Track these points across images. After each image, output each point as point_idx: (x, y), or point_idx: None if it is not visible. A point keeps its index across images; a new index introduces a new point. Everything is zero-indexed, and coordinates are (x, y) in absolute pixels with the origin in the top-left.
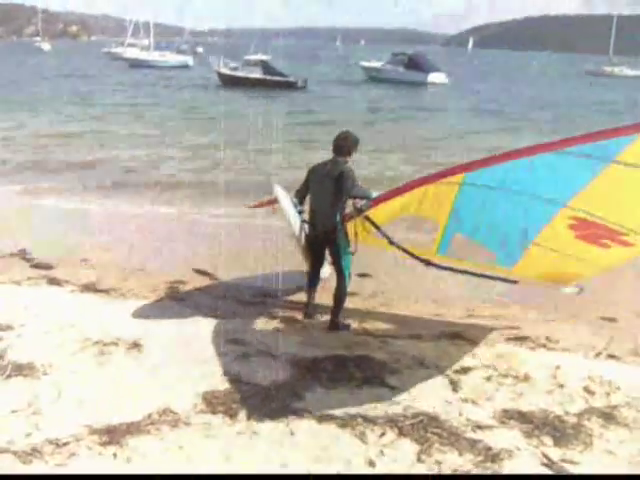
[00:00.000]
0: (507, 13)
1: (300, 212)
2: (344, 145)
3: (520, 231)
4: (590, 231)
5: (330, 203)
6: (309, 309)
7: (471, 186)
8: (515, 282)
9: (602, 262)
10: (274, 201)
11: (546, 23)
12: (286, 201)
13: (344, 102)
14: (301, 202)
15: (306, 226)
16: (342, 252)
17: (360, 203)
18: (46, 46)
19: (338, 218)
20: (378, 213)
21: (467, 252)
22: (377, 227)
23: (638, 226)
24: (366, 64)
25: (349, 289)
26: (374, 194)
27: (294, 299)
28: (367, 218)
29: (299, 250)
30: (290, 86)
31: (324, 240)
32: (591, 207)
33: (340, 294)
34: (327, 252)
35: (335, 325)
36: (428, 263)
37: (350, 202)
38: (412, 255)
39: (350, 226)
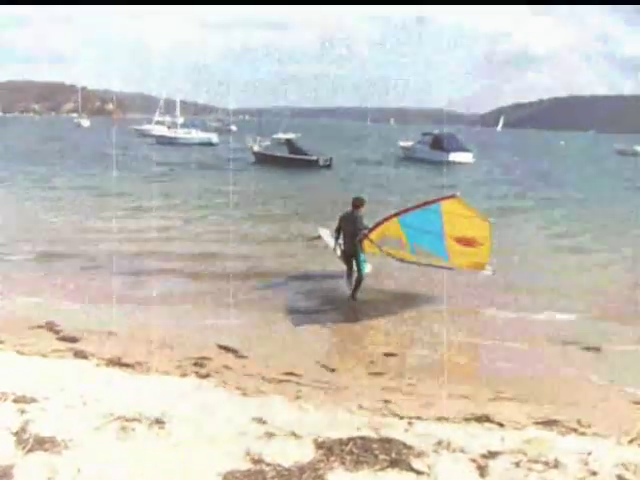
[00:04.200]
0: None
1: (336, 238)
2: (357, 204)
3: (435, 247)
4: (465, 242)
5: (351, 234)
6: (350, 288)
7: (404, 221)
8: (451, 269)
9: (483, 253)
10: (319, 237)
11: (574, 103)
12: (326, 233)
13: (358, 183)
14: (338, 232)
15: (340, 243)
16: (359, 259)
17: (364, 232)
18: (85, 122)
19: (356, 241)
20: (372, 235)
21: (426, 254)
22: (372, 241)
23: (479, 236)
24: (403, 144)
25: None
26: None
27: (319, 377)
28: (368, 238)
29: (338, 257)
30: (313, 165)
31: (350, 254)
32: (455, 232)
33: (358, 280)
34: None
35: (354, 297)
36: (402, 261)
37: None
38: (392, 255)
39: (364, 243)
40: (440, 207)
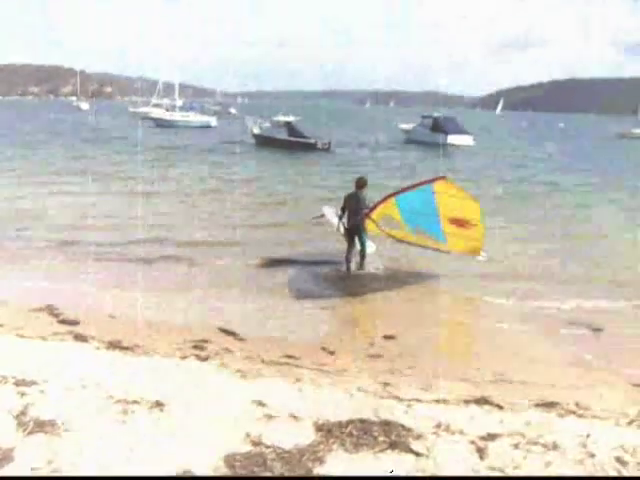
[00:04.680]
0: (534, 76)
1: (340, 217)
2: (360, 184)
3: (433, 229)
4: (459, 222)
5: (354, 212)
6: (347, 266)
7: (400, 202)
8: (448, 252)
9: (477, 235)
10: (322, 215)
11: (572, 86)
12: (330, 212)
13: (357, 167)
14: (343, 211)
15: (344, 222)
16: (362, 236)
17: (366, 210)
18: (84, 105)
19: (359, 218)
20: (373, 215)
21: (423, 236)
22: (374, 220)
23: (471, 217)
24: (404, 126)
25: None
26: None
27: (318, 360)
28: (369, 217)
29: (341, 235)
30: (311, 148)
31: (354, 230)
32: (448, 212)
33: (362, 254)
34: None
35: (362, 267)
36: (402, 241)
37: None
38: (392, 236)
39: (366, 221)
40: (432, 187)
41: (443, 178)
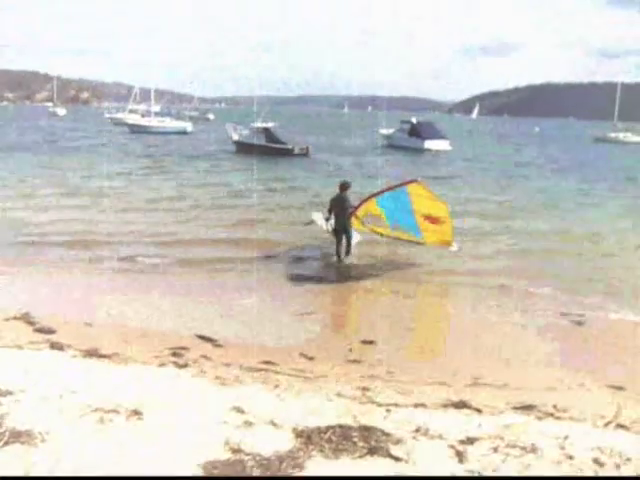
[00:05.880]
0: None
1: (327, 219)
2: (344, 187)
3: (410, 225)
4: (432, 219)
5: (341, 212)
6: (338, 258)
7: (380, 202)
8: (423, 244)
9: (448, 230)
10: (312, 221)
11: (548, 90)
12: (319, 216)
13: (333, 170)
14: (330, 213)
15: (331, 223)
16: (349, 233)
17: (351, 210)
18: (61, 111)
19: (345, 218)
20: (358, 212)
21: (401, 231)
22: (358, 217)
23: (441, 215)
24: (384, 131)
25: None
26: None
27: (297, 367)
28: (354, 214)
29: (330, 234)
30: (288, 153)
31: (341, 229)
32: (422, 210)
33: (348, 247)
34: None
35: (348, 253)
36: (382, 236)
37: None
38: (375, 232)
39: (351, 220)
40: (406, 189)
41: (415, 181)
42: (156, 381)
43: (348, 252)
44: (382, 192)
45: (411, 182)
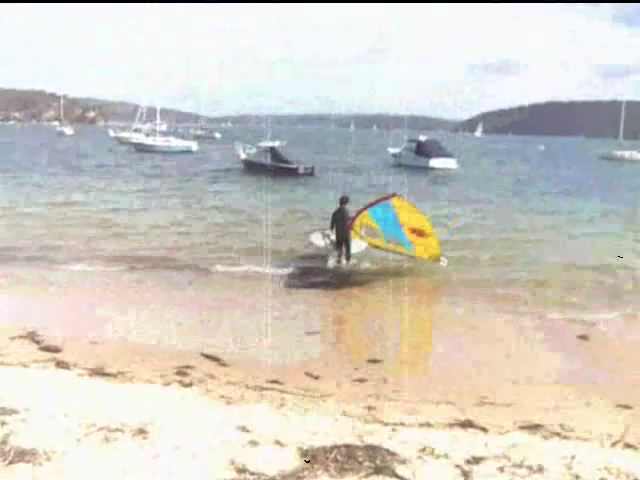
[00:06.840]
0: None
1: (328, 235)
2: (344, 201)
3: (400, 238)
4: (418, 232)
5: (342, 224)
6: (339, 265)
7: (373, 215)
8: (414, 257)
9: (434, 243)
10: (311, 243)
11: (553, 109)
12: (316, 236)
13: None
14: (332, 226)
15: (332, 239)
16: (348, 242)
17: (349, 221)
18: (69, 130)
19: (345, 229)
20: (354, 224)
21: (395, 244)
22: (354, 229)
23: (424, 228)
24: (392, 150)
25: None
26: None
27: (303, 385)
28: (351, 227)
29: (330, 247)
30: (292, 173)
31: (342, 240)
32: (407, 222)
33: (348, 254)
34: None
35: (348, 259)
36: (378, 248)
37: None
38: (372, 244)
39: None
40: (390, 202)
41: (395, 195)
42: (161, 400)
43: (348, 258)
44: (372, 205)
45: (393, 196)
